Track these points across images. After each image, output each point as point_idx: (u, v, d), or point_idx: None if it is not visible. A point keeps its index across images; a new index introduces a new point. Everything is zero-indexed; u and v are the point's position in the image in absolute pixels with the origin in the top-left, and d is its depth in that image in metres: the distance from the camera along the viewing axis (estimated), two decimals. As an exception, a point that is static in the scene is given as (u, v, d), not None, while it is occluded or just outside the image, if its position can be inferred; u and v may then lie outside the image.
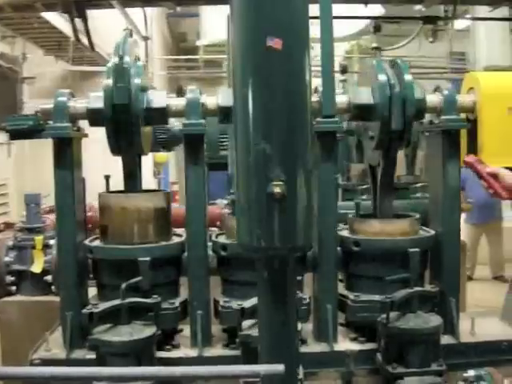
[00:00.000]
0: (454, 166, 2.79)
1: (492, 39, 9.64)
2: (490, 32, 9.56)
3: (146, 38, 8.08)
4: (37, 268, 3.47)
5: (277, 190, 1.78)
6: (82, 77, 10.09)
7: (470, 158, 2.70)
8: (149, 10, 9.23)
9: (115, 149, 2.68)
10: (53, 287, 3.54)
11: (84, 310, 2.37)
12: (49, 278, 3.51)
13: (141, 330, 2.37)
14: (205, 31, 13.78)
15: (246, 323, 2.45)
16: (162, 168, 12.17)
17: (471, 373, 2.23)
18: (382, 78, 2.68)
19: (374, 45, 5.90)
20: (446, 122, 2.74)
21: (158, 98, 2.68)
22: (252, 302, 2.39)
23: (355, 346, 2.73)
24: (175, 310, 2.68)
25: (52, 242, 3.58)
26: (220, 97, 2.68)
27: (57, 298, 3.57)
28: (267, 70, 1.78)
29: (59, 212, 2.68)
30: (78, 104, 2.67)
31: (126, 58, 2.56)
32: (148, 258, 2.58)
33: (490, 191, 2.65)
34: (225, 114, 2.66)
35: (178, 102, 2.69)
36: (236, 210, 1.94)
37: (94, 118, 2.62)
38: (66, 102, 2.65)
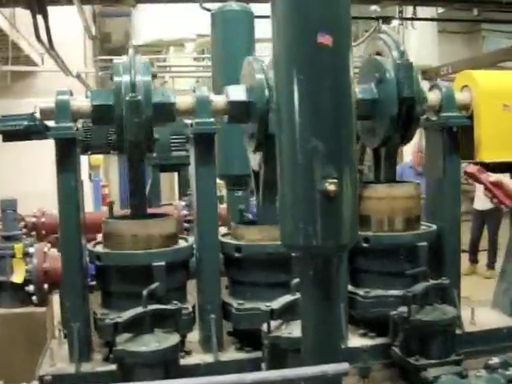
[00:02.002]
0: (454, 162, 2.88)
1: (422, 39, 9.92)
2: (421, 32, 9.81)
3: (94, 37, 7.80)
4: (18, 278, 3.24)
5: (331, 187, 1.76)
6: (15, 78, 9.56)
7: (471, 169, 2.78)
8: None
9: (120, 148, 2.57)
10: (34, 298, 3.33)
11: (107, 321, 2.24)
12: (30, 288, 3.29)
13: (166, 338, 2.27)
14: (138, 31, 13.55)
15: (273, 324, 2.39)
16: (98, 171, 11.87)
17: (495, 360, 2.27)
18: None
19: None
20: (447, 119, 2.82)
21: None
22: (280, 302, 2.35)
23: (367, 342, 2.76)
24: (189, 315, 2.60)
25: (32, 249, 3.36)
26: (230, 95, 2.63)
27: (38, 309, 3.38)
28: (317, 67, 1.76)
29: (64, 216, 2.52)
30: (81, 103, 2.53)
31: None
32: (163, 263, 2.48)
33: (494, 200, 2.73)
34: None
35: (186, 100, 2.61)
36: (280, 209, 1.89)
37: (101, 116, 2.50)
38: (68, 100, 2.50)
